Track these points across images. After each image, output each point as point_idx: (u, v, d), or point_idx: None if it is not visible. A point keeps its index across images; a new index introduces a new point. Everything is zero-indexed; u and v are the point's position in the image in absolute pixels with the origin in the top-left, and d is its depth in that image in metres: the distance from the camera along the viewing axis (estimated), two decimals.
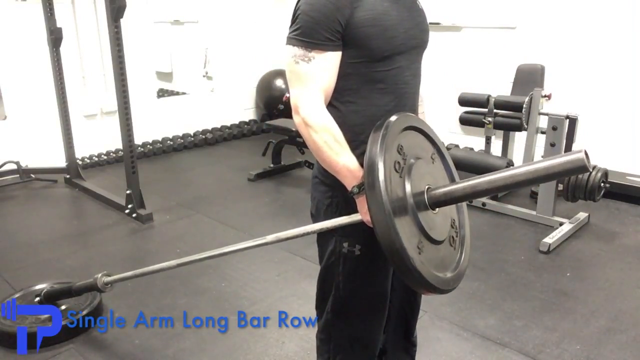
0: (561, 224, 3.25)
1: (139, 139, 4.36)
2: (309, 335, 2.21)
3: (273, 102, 5.71)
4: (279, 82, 5.70)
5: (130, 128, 3.44)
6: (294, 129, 4.16)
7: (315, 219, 1.41)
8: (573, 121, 3.15)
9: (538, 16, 4.03)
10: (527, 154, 3.41)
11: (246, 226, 3.42)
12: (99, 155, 4.79)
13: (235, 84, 5.82)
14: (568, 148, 3.20)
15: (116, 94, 3.37)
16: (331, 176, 1.28)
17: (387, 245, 1.09)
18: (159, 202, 3.81)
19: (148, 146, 5.08)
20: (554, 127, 3.19)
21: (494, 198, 3.72)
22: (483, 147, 3.91)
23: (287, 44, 1.24)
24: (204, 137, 5.47)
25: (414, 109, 1.39)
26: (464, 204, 1.41)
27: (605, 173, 3.15)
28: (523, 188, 1.03)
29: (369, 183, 1.11)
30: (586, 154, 1.03)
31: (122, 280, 2.12)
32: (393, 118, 1.21)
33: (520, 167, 1.12)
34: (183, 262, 1.78)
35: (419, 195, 1.19)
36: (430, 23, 1.42)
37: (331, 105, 1.28)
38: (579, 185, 3.11)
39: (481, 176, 1.17)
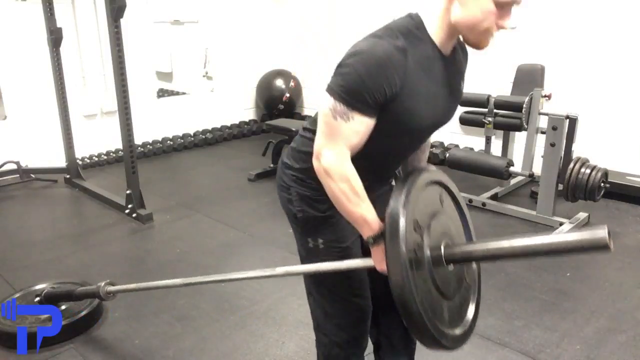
0: (561, 224, 3.25)
1: (139, 139, 4.37)
2: (309, 335, 2.20)
3: (273, 102, 5.71)
4: (279, 82, 5.70)
5: (130, 128, 3.44)
6: (293, 129, 4.15)
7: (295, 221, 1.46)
8: (573, 121, 3.15)
9: (538, 16, 4.03)
10: (527, 154, 3.41)
11: (246, 226, 3.42)
12: (99, 155, 4.79)
13: (235, 84, 5.82)
14: (568, 148, 3.20)
15: (116, 94, 3.37)
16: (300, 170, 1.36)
17: (400, 300, 1.12)
18: (159, 202, 3.81)
19: (148, 146, 5.08)
20: (554, 127, 3.19)
21: (494, 198, 3.72)
22: (483, 147, 3.91)
23: (328, 92, 1.21)
24: (204, 137, 5.48)
25: (391, 174, 1.50)
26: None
27: (605, 173, 3.15)
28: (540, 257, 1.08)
29: (389, 235, 1.14)
30: (609, 232, 1.02)
31: (125, 291, 2.12)
32: (418, 173, 1.25)
33: (541, 238, 1.14)
34: (189, 282, 1.79)
35: (436, 250, 1.22)
36: None
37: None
38: (579, 185, 3.10)
39: (501, 240, 1.18)
